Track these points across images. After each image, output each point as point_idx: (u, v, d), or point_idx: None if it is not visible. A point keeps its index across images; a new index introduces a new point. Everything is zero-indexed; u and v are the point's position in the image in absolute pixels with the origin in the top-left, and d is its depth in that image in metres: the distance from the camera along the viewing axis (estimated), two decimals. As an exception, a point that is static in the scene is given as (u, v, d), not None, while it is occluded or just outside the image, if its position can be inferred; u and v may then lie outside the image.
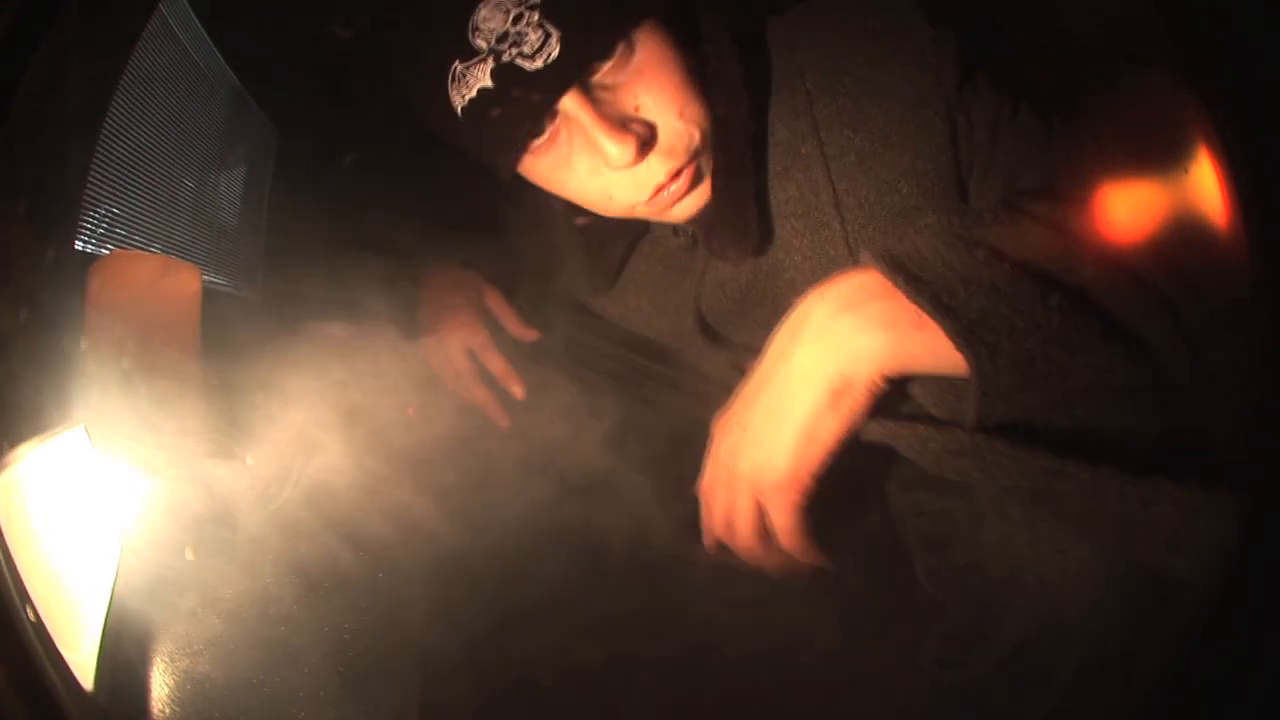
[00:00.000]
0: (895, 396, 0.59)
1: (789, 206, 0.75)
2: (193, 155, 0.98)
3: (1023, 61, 0.77)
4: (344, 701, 0.71)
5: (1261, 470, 0.50)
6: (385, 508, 0.74)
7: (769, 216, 0.75)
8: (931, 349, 0.55)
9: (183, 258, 0.94)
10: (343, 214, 0.85)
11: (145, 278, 0.80)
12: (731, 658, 0.75)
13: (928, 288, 0.55)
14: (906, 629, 0.70)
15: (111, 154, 0.78)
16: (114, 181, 0.78)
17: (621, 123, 0.66)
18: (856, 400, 0.58)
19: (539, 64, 0.63)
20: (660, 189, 0.69)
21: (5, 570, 0.51)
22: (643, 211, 0.72)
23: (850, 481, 0.61)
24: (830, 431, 0.58)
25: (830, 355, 0.58)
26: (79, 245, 0.71)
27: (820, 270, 0.73)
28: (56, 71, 0.64)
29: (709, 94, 0.70)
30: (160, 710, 0.65)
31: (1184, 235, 0.55)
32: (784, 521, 0.61)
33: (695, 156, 0.69)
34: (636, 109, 0.67)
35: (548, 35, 0.62)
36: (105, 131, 0.75)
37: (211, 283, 0.85)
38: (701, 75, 0.70)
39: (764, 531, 0.63)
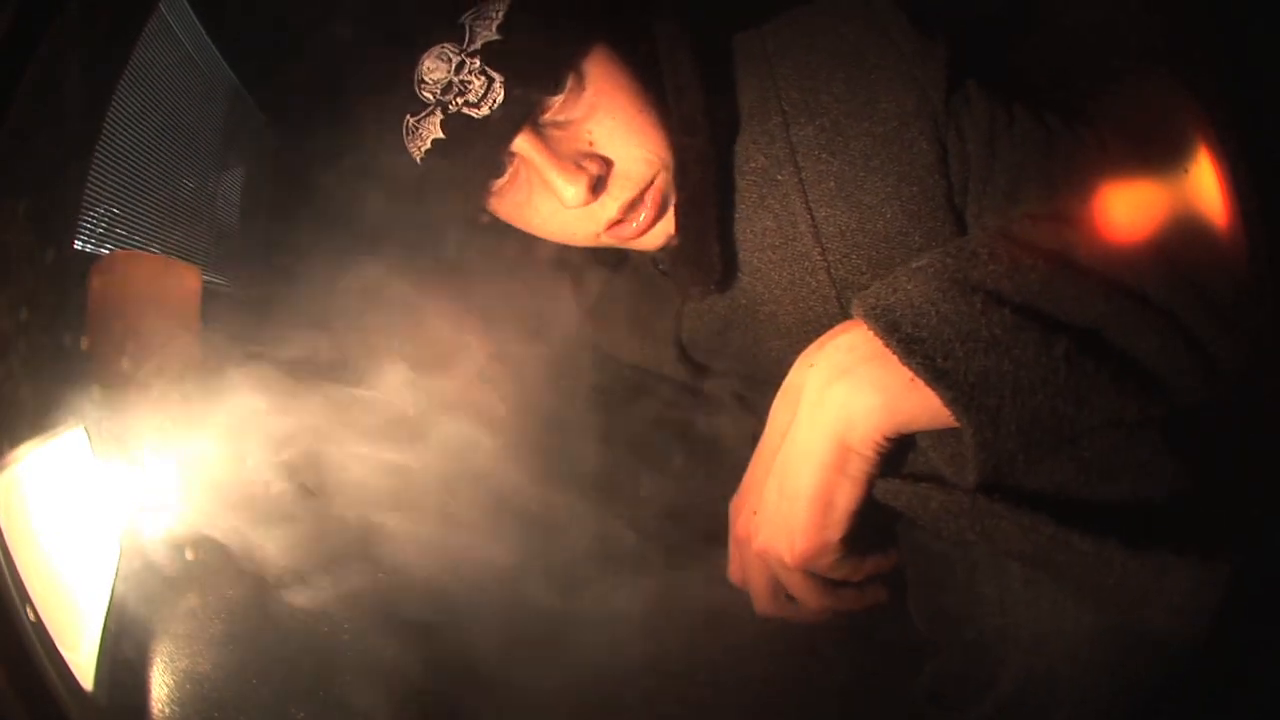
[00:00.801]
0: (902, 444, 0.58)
1: (766, 238, 0.71)
2: (193, 155, 0.98)
3: (1019, 61, 0.74)
4: (344, 703, 0.70)
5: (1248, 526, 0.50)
6: (391, 508, 0.73)
7: (735, 249, 0.72)
8: (928, 408, 0.54)
9: (182, 258, 0.94)
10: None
11: (145, 278, 0.80)
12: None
13: (921, 349, 0.53)
14: (901, 660, 0.68)
15: (111, 154, 0.77)
16: (114, 181, 0.78)
17: (575, 161, 0.65)
18: (865, 461, 0.57)
19: (485, 110, 0.64)
20: (614, 223, 0.69)
21: (5, 570, 0.50)
22: (607, 242, 0.71)
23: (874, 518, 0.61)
24: (848, 495, 0.58)
25: (828, 426, 0.57)
26: (79, 245, 0.71)
27: (801, 302, 0.71)
28: (56, 71, 0.64)
29: (669, 121, 0.69)
30: (160, 710, 0.64)
31: (1190, 244, 0.54)
32: (841, 573, 0.61)
33: (649, 186, 0.68)
34: (591, 144, 0.66)
35: (490, 81, 0.63)
36: (105, 131, 0.75)
37: (211, 283, 0.85)
38: (663, 101, 0.69)
39: (826, 585, 0.62)
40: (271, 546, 0.69)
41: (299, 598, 0.71)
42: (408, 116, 0.66)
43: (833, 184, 0.68)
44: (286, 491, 0.71)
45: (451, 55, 0.64)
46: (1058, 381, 0.52)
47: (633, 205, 0.68)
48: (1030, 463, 0.54)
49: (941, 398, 0.52)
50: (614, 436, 0.81)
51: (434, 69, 0.64)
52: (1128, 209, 0.59)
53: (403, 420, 0.77)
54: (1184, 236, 0.54)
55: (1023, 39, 0.77)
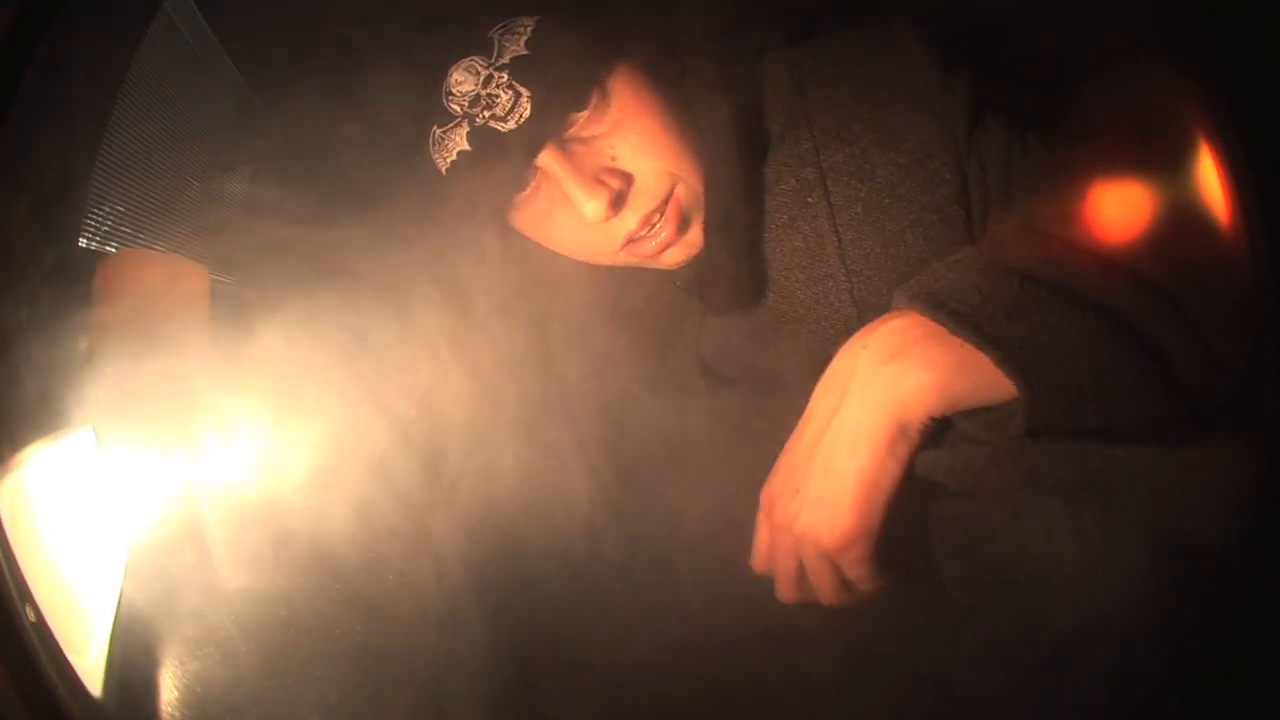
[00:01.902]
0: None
1: (794, 258, 0.73)
2: (199, 153, 0.97)
3: (1026, 68, 0.76)
4: (357, 707, 0.70)
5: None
6: (403, 510, 0.72)
7: (765, 268, 0.74)
8: (978, 383, 0.57)
9: (189, 256, 0.93)
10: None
11: (152, 277, 0.79)
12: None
13: (969, 319, 0.57)
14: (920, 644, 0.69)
15: (116, 151, 0.77)
16: (119, 179, 0.77)
17: (596, 177, 0.67)
18: (912, 443, 0.59)
19: (512, 125, 0.65)
20: (631, 238, 0.70)
21: (10, 576, 0.50)
22: (625, 260, 0.73)
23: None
24: (892, 478, 0.60)
25: (882, 405, 0.59)
26: (83, 243, 0.70)
27: (824, 320, 0.73)
28: (60, 68, 0.64)
29: (698, 140, 0.70)
30: (170, 715, 0.64)
31: (1192, 240, 0.56)
32: (862, 573, 0.62)
33: (668, 200, 0.69)
34: (613, 159, 0.68)
35: (518, 96, 0.64)
36: (110, 129, 0.74)
37: (218, 281, 0.85)
38: (689, 120, 0.70)
39: (844, 581, 0.63)
40: (282, 547, 0.68)
41: (310, 601, 0.70)
42: (435, 128, 0.67)
43: (860, 209, 0.71)
44: (291, 492, 0.70)
45: (480, 69, 0.65)
46: (1092, 350, 0.56)
47: (650, 219, 0.70)
48: (1070, 424, 0.57)
49: (993, 358, 0.56)
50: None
51: (462, 81, 0.65)
52: (1129, 215, 0.61)
53: (415, 420, 0.76)
54: (1187, 238, 0.57)
55: (1028, 39, 0.79)
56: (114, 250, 0.75)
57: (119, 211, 0.75)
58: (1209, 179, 0.52)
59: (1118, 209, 0.62)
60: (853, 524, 0.59)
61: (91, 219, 0.72)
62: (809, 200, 0.72)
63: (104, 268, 0.72)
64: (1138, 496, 0.56)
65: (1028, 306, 0.57)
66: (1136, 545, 0.57)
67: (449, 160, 0.67)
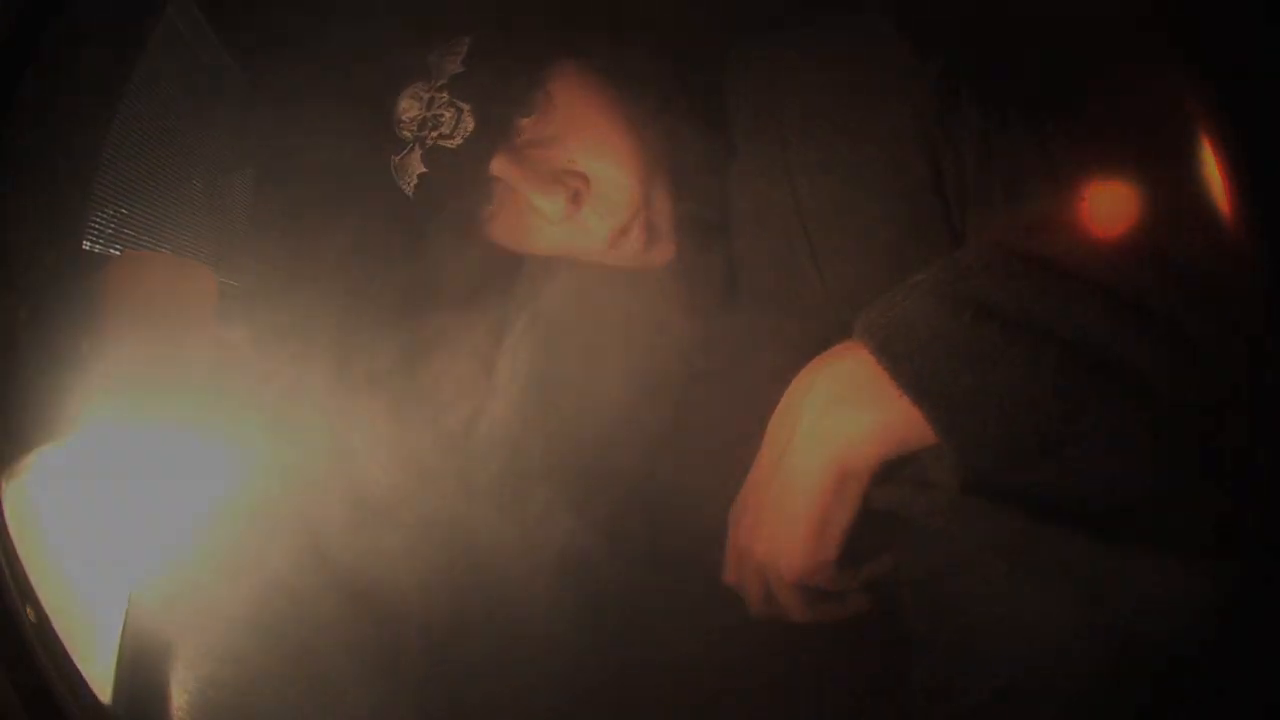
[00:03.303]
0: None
1: (763, 258, 0.72)
2: (204, 154, 0.97)
3: (1012, 59, 0.72)
4: (374, 712, 0.69)
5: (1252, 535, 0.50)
6: (417, 511, 0.72)
7: (736, 267, 0.73)
8: (924, 429, 0.55)
9: (196, 258, 0.93)
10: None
11: (158, 279, 0.79)
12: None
13: (910, 367, 0.55)
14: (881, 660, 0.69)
15: (121, 153, 0.77)
16: (123, 181, 0.77)
17: (553, 177, 0.67)
18: (861, 484, 0.58)
19: (459, 140, 0.67)
20: (609, 244, 0.70)
21: (16, 583, 0.49)
22: (613, 260, 0.73)
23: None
24: (841, 519, 0.59)
25: (826, 452, 0.58)
26: (87, 245, 0.70)
27: (797, 319, 0.71)
28: (64, 67, 0.64)
29: (659, 142, 0.70)
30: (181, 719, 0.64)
31: (1186, 243, 0.54)
32: (800, 609, 0.63)
33: (641, 210, 0.70)
34: (571, 162, 0.69)
35: (459, 111, 0.67)
36: (114, 129, 0.74)
37: (225, 284, 0.84)
38: (650, 118, 0.70)
39: (811, 598, 0.64)
40: (286, 550, 0.67)
41: (326, 603, 0.69)
42: (393, 157, 0.70)
43: (829, 206, 0.69)
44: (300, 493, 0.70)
45: (422, 93, 0.68)
46: (1046, 397, 0.53)
47: (624, 231, 0.70)
48: (1013, 471, 0.55)
49: (925, 415, 0.54)
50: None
51: (408, 108, 0.68)
52: (1120, 209, 0.59)
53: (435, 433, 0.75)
54: (1180, 236, 0.55)
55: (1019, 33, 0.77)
56: (118, 252, 0.75)
57: (123, 214, 0.75)
58: (1208, 177, 0.51)
59: (1105, 197, 0.60)
60: (804, 560, 0.60)
61: (96, 221, 0.72)
62: (774, 197, 0.70)
63: (109, 269, 0.72)
64: (1063, 575, 0.54)
65: (976, 349, 0.54)
66: (1074, 615, 0.55)
67: (411, 184, 0.70)
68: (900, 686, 0.66)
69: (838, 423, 0.58)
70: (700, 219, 0.71)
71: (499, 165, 0.68)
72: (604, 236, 0.70)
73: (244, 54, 0.82)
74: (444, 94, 0.67)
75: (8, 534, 0.50)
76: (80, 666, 0.51)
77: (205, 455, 0.69)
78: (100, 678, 0.56)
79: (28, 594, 0.49)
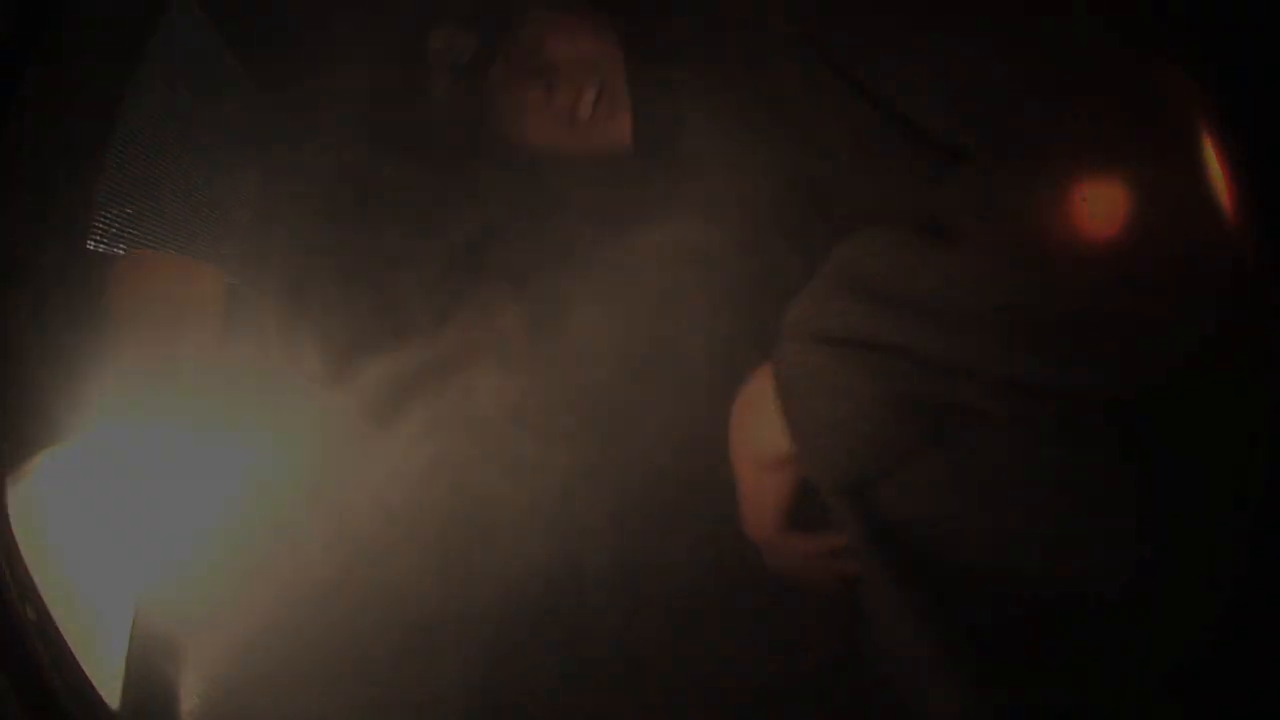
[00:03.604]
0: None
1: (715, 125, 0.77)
2: (210, 154, 0.97)
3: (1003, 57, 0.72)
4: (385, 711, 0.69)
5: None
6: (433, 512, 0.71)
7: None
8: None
9: (203, 258, 0.93)
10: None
11: (166, 279, 0.79)
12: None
13: (785, 389, 0.59)
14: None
15: (127, 152, 0.77)
16: (129, 180, 0.77)
17: (532, 72, 0.78)
18: (780, 476, 0.63)
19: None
20: (569, 113, 0.77)
21: (17, 583, 0.49)
22: (576, 145, 0.79)
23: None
24: (772, 499, 0.63)
25: (745, 452, 0.63)
26: (91, 245, 0.70)
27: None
28: (68, 65, 0.64)
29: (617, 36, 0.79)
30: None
31: (1178, 241, 0.54)
32: (786, 559, 0.66)
33: (599, 83, 0.77)
34: (550, 54, 0.78)
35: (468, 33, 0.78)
36: (120, 129, 0.74)
37: (233, 283, 0.84)
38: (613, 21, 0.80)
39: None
40: (294, 551, 0.67)
41: (338, 604, 0.69)
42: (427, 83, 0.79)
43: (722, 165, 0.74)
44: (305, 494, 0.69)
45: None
46: (890, 421, 0.56)
47: (582, 94, 0.78)
48: (883, 478, 0.58)
49: (789, 435, 0.59)
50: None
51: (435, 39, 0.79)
52: (1117, 213, 0.58)
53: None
54: (1174, 240, 0.54)
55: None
56: (123, 252, 0.75)
57: (128, 214, 0.75)
58: (1207, 175, 0.50)
59: (1102, 204, 0.58)
60: (753, 532, 0.64)
61: (100, 220, 0.72)
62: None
63: (115, 269, 0.72)
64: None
65: (841, 374, 0.57)
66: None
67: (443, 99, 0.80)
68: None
69: (749, 431, 0.64)
70: (657, 79, 0.79)
71: (496, 71, 0.78)
72: (568, 100, 0.77)
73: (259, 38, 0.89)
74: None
75: (12, 535, 0.50)
76: (83, 667, 0.51)
77: (212, 456, 0.69)
78: (104, 679, 0.56)
79: (29, 594, 0.49)
